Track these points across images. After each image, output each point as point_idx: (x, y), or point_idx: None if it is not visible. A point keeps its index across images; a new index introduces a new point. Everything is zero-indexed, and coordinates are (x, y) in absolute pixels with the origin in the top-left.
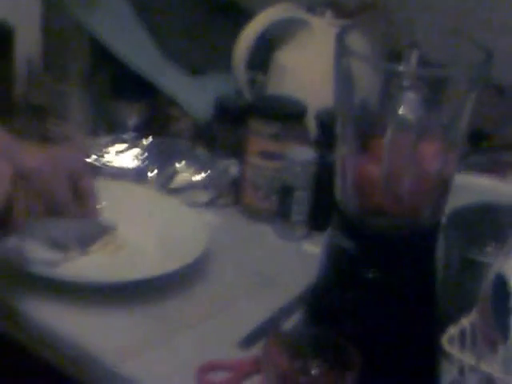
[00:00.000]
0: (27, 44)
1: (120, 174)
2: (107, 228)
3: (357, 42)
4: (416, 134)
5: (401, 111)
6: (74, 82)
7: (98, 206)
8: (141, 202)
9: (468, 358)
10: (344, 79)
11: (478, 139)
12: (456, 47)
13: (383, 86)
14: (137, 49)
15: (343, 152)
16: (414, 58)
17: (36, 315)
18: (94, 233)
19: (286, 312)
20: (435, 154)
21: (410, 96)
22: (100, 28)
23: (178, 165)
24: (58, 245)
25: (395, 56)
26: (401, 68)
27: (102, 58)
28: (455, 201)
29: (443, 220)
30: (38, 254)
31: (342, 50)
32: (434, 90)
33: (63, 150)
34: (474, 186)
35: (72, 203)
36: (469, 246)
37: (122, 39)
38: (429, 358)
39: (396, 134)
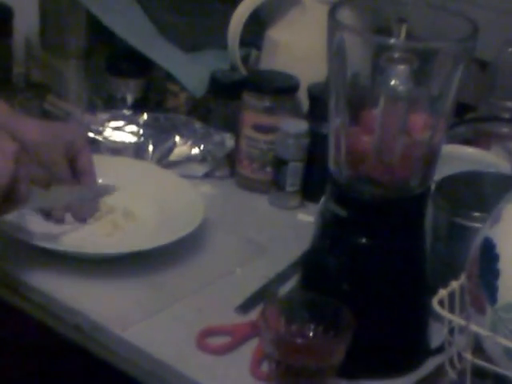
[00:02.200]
0: (25, 23)
1: (119, 149)
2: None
3: (348, 17)
4: (406, 106)
5: (392, 83)
6: (72, 60)
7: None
8: (139, 176)
9: (458, 319)
10: (337, 53)
11: (462, 111)
12: (443, 22)
13: (374, 60)
14: (133, 26)
15: (336, 124)
16: (403, 32)
17: (40, 285)
18: (94, 192)
19: (281, 277)
20: (424, 124)
21: (401, 68)
22: (96, 5)
23: (175, 139)
24: (55, 219)
25: (385, 31)
26: (391, 41)
27: (99, 35)
28: (443, 170)
29: (432, 188)
30: (38, 227)
31: (334, 25)
32: (423, 63)
33: (62, 124)
34: (461, 156)
35: (70, 179)
36: (456, 211)
37: (118, 16)
38: (420, 319)
39: (387, 106)
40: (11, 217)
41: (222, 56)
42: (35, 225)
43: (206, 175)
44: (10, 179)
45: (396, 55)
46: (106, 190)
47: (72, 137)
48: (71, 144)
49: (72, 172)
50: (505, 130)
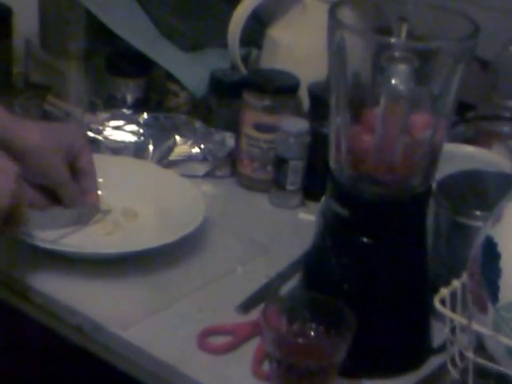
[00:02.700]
0: (25, 24)
1: (119, 148)
2: (103, 208)
3: (348, 16)
4: (407, 105)
5: (392, 83)
6: (72, 60)
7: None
8: (140, 176)
9: (460, 318)
10: (337, 53)
11: (463, 110)
12: (443, 21)
13: (375, 59)
14: (133, 25)
15: (337, 123)
16: (403, 31)
17: (40, 286)
18: (91, 211)
19: (283, 277)
20: (425, 123)
21: (401, 68)
22: (96, 5)
23: (175, 138)
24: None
25: (385, 30)
26: (392, 40)
27: (99, 35)
28: (444, 169)
29: (433, 187)
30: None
31: (334, 25)
32: (424, 62)
33: (62, 125)
34: (462, 155)
35: (71, 182)
36: (457, 210)
37: (118, 16)
38: (421, 318)
39: (388, 105)
40: None
41: (222, 55)
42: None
43: (207, 175)
44: (11, 199)
45: (397, 54)
46: (98, 210)
47: (72, 138)
48: (72, 146)
49: (72, 172)
50: (506, 128)
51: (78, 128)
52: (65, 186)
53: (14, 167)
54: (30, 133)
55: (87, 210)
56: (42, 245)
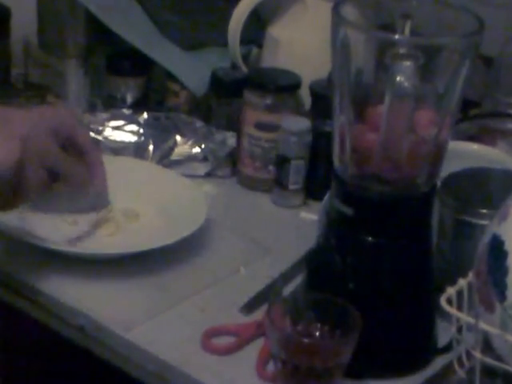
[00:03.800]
0: (23, 23)
1: (119, 148)
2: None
3: (352, 13)
4: (412, 102)
5: (397, 80)
6: (71, 60)
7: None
8: (140, 176)
9: (466, 318)
10: (341, 50)
11: (466, 107)
12: (448, 18)
13: (379, 56)
14: (133, 24)
15: (341, 121)
16: (407, 28)
17: (42, 287)
18: (99, 200)
19: (286, 277)
20: (430, 121)
21: (406, 65)
22: (95, 4)
23: (175, 138)
24: (66, 220)
25: (389, 27)
26: (396, 37)
27: (98, 35)
28: (448, 167)
29: (438, 185)
30: (40, 228)
31: (338, 22)
32: (429, 59)
33: (47, 109)
34: (466, 153)
35: (73, 163)
36: (462, 209)
37: (117, 15)
38: (427, 317)
39: (393, 103)
40: (13, 218)
41: (222, 54)
42: (38, 226)
43: (208, 174)
44: (16, 167)
45: (401, 51)
46: (102, 203)
47: (58, 119)
48: (60, 126)
49: (74, 154)
50: (510, 126)
51: (66, 109)
52: (66, 167)
53: (21, 130)
54: (19, 122)
55: (94, 197)
56: (44, 245)
